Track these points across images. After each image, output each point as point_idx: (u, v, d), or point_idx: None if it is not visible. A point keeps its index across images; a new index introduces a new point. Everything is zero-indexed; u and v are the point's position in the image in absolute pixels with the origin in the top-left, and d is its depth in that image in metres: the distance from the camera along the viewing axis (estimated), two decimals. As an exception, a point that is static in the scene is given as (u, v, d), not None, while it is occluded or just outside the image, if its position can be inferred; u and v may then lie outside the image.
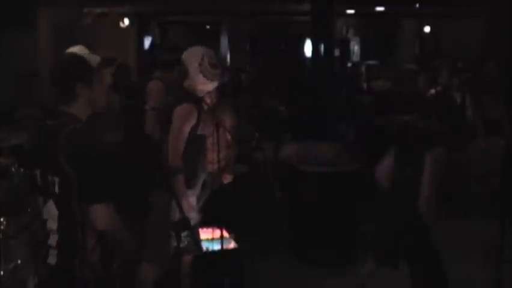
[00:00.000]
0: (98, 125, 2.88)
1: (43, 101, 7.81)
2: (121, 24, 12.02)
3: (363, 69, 11.88)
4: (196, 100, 4.05)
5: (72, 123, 2.66)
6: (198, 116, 4.02)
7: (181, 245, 3.44)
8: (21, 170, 4.08)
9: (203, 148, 4.17)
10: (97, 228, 2.65)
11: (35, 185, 2.74)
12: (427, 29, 14.78)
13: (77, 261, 2.69)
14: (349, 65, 14.29)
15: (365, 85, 10.63)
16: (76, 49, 2.78)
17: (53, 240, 2.72)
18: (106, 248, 2.76)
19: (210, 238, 4.38)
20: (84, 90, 2.72)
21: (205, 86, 4.10)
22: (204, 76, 4.06)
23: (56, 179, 2.64)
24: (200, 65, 4.05)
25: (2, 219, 4.07)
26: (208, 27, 16.11)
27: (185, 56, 4.14)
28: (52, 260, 2.73)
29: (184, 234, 3.53)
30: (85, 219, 2.64)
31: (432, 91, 7.72)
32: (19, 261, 3.98)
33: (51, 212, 2.69)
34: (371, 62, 13.28)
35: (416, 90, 7.67)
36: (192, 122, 4.00)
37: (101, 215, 2.62)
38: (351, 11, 13.54)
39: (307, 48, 14.26)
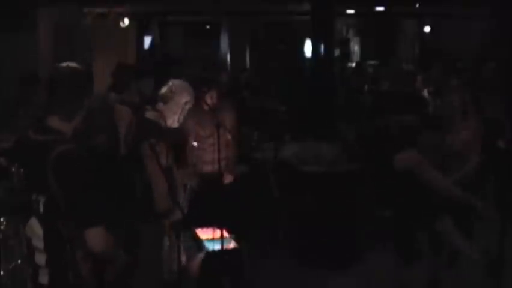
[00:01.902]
0: (89, 142, 2.82)
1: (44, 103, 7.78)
2: (121, 24, 12.00)
3: (363, 69, 11.88)
4: (162, 130, 3.99)
5: (61, 142, 2.52)
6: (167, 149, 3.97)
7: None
8: (21, 170, 4.08)
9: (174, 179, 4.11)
10: (93, 251, 2.55)
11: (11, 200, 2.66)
12: (427, 29, 14.78)
13: (70, 277, 2.58)
14: (349, 65, 14.31)
15: (365, 85, 10.63)
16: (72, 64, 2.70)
17: (40, 259, 2.60)
18: (95, 261, 2.66)
19: (210, 238, 4.39)
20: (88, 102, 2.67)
21: (172, 122, 4.08)
22: (179, 114, 4.06)
23: (42, 199, 2.50)
24: (186, 103, 4.07)
25: (2, 219, 4.06)
26: (208, 27, 16.10)
27: (178, 84, 4.12)
28: (44, 279, 2.62)
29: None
30: (73, 236, 2.52)
31: (430, 90, 7.73)
32: (19, 261, 3.97)
33: (35, 230, 2.57)
34: (371, 62, 13.29)
35: (414, 90, 7.68)
36: (164, 154, 3.95)
37: (96, 238, 2.51)
38: (351, 11, 13.54)
39: (307, 48, 14.25)
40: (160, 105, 4.08)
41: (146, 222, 3.81)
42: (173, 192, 3.80)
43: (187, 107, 4.12)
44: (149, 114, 4.05)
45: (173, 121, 4.08)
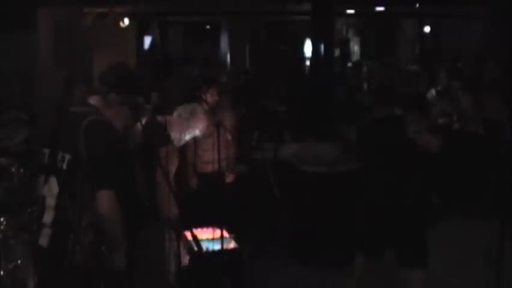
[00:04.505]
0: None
1: (32, 102, 7.79)
2: (121, 24, 12.01)
3: (363, 69, 11.89)
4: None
5: (96, 114, 2.89)
6: (180, 159, 3.97)
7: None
8: (21, 170, 4.08)
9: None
10: (99, 213, 2.74)
11: (40, 163, 2.89)
12: (427, 29, 14.78)
13: (69, 243, 2.75)
14: (349, 65, 14.31)
15: (364, 85, 10.64)
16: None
17: (48, 217, 2.80)
18: (97, 234, 2.82)
19: (210, 238, 4.39)
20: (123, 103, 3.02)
21: (179, 136, 4.06)
22: (186, 133, 4.06)
23: (67, 156, 2.78)
24: (200, 128, 4.08)
25: (2, 219, 4.06)
26: (208, 27, 16.11)
27: (197, 114, 4.11)
28: (44, 241, 2.81)
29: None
30: (84, 200, 2.74)
31: (433, 91, 7.74)
32: (19, 261, 3.98)
33: (52, 188, 2.80)
34: (368, 62, 13.29)
35: (418, 90, 7.67)
36: (175, 165, 3.95)
37: (106, 200, 2.73)
38: (351, 11, 13.54)
39: (307, 48, 14.25)
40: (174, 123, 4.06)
41: (147, 225, 3.83)
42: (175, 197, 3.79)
43: (196, 132, 4.12)
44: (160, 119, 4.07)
45: (176, 139, 4.06)
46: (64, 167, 2.78)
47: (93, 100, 3.01)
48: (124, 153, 3.03)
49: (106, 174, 2.77)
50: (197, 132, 4.09)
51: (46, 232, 2.81)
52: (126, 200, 3.46)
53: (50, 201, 2.81)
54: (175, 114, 4.13)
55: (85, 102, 2.99)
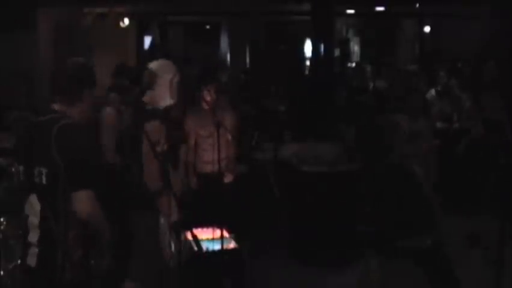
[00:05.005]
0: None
1: (35, 102, 7.79)
2: (121, 24, 12.00)
3: (363, 69, 11.88)
4: (160, 113, 3.95)
5: (63, 118, 2.82)
6: (167, 130, 3.92)
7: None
8: (21, 168, 4.08)
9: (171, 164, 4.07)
10: (80, 216, 2.71)
11: (18, 181, 2.85)
12: (427, 29, 14.78)
13: (58, 260, 2.70)
14: (349, 65, 14.30)
15: (364, 85, 10.62)
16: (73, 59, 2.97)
17: (33, 236, 2.75)
18: (86, 246, 2.79)
19: (210, 238, 4.39)
20: (88, 96, 2.93)
21: (165, 101, 4.01)
22: (170, 92, 3.99)
23: (44, 170, 2.72)
24: (172, 80, 4.00)
25: (2, 219, 4.07)
26: (208, 27, 16.10)
27: (156, 67, 4.03)
28: (32, 260, 2.75)
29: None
30: (68, 211, 2.70)
31: (433, 91, 7.75)
32: (19, 261, 3.98)
33: (33, 206, 2.75)
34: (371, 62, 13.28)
35: (416, 90, 7.68)
36: (162, 139, 3.91)
37: (84, 201, 2.70)
38: (351, 11, 13.53)
39: (307, 48, 14.24)
40: (149, 93, 4.02)
41: (139, 208, 3.82)
42: (165, 176, 3.76)
43: (175, 82, 4.02)
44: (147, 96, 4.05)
45: (165, 101, 4.00)
46: (43, 181, 2.73)
47: (56, 106, 2.92)
48: (97, 152, 3.03)
49: (82, 175, 2.73)
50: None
51: (33, 251, 2.76)
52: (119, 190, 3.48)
53: (34, 220, 2.76)
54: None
55: (49, 110, 2.91)
